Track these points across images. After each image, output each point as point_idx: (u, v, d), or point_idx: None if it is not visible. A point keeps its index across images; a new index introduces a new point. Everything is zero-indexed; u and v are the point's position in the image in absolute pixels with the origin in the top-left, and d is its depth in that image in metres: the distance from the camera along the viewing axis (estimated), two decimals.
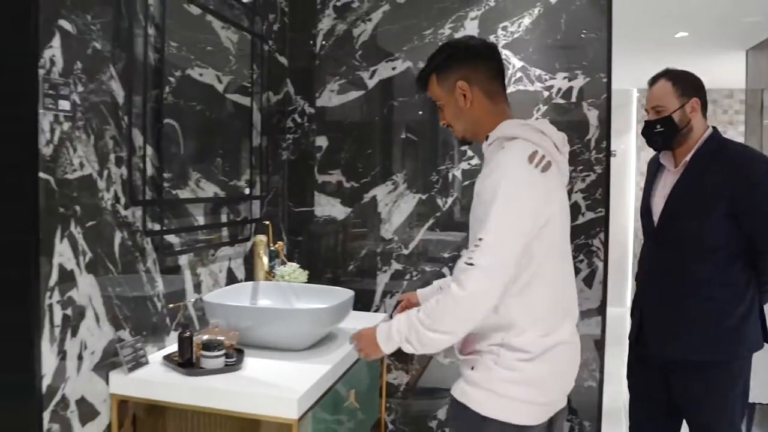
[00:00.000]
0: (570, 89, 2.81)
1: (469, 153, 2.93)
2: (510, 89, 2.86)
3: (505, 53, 2.87)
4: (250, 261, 2.75)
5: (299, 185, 3.17)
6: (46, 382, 1.67)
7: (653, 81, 2.43)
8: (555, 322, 1.71)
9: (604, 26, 2.79)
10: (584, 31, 2.80)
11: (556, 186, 1.71)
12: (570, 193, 2.82)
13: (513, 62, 2.87)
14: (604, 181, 2.82)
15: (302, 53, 3.14)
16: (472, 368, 1.71)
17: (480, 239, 1.58)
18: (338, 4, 3.09)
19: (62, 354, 1.72)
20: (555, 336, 1.69)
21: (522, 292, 1.65)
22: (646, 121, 2.45)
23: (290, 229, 3.16)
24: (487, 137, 1.78)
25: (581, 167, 2.81)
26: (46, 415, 1.67)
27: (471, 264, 1.57)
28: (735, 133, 7.30)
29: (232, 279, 2.63)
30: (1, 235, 1.63)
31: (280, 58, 3.05)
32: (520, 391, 1.65)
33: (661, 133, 2.38)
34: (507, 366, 1.66)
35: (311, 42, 3.13)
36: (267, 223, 2.72)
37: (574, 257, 2.79)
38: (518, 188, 1.61)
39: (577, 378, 2.78)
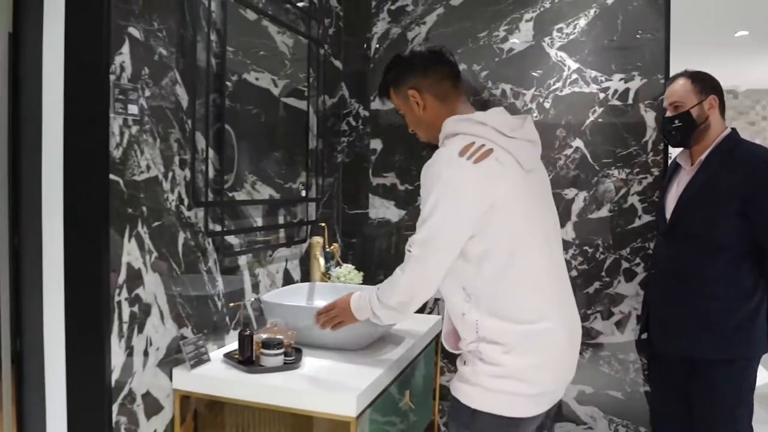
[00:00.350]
0: (626, 91, 2.79)
1: None
2: (565, 91, 2.85)
3: (560, 55, 2.86)
4: (305, 262, 2.80)
5: (354, 187, 3.20)
6: (114, 376, 1.73)
7: (673, 79, 2.48)
8: (535, 312, 1.69)
9: (662, 26, 2.76)
10: (640, 32, 2.77)
11: (498, 171, 1.69)
12: (626, 195, 2.79)
13: (568, 64, 2.85)
14: (660, 184, 2.78)
15: (357, 57, 3.18)
16: (464, 363, 1.78)
17: (417, 227, 1.73)
18: (392, 7, 3.12)
19: (129, 350, 1.78)
20: (537, 325, 1.68)
21: (491, 284, 1.69)
22: (664, 117, 2.48)
23: (344, 230, 3.20)
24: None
25: (638, 169, 2.78)
26: (115, 408, 1.74)
27: (409, 251, 1.74)
28: None
29: (288, 280, 2.67)
30: (74, 235, 1.70)
31: (335, 61, 3.09)
32: (505, 384, 1.68)
33: (678, 128, 2.40)
34: (490, 360, 1.69)
35: (365, 46, 3.17)
36: (323, 225, 2.76)
37: (630, 260, 2.77)
38: (446, 185, 1.67)
39: (631, 383, 2.78)
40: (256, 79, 2.42)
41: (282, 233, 2.64)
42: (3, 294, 1.70)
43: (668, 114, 2.45)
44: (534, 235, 1.74)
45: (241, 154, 2.33)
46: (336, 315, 1.99)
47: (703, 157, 2.37)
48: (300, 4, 2.69)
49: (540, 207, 1.81)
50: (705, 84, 2.39)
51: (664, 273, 2.48)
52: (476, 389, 1.70)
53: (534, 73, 2.91)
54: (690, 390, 2.39)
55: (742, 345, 2.29)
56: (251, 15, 2.36)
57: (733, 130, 2.41)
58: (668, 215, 2.45)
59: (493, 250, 1.68)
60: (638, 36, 2.78)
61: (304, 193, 2.77)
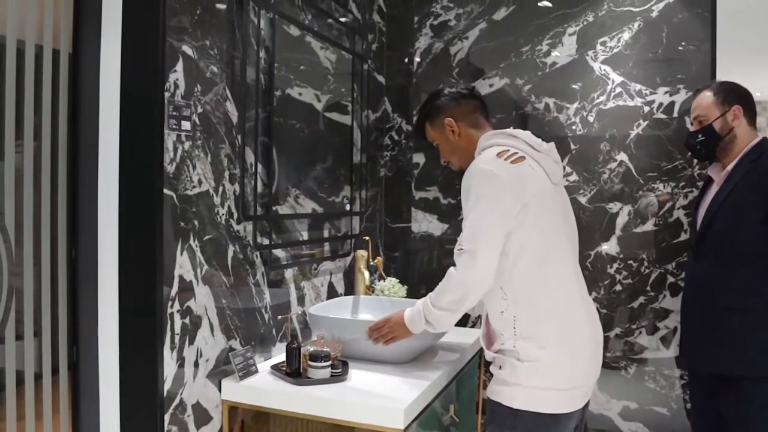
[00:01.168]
0: (672, 104, 2.76)
1: (567, 169, 2.92)
2: (609, 104, 2.84)
3: (604, 68, 2.85)
4: (349, 275, 2.82)
5: (396, 201, 3.22)
6: (166, 386, 1.77)
7: (697, 92, 2.44)
8: (565, 309, 1.80)
9: (708, 37, 2.74)
10: (684, 43, 2.75)
11: (532, 174, 1.82)
12: (672, 209, 2.76)
13: (612, 77, 2.84)
14: None
15: (399, 71, 3.21)
16: (500, 367, 1.83)
17: (464, 226, 1.80)
18: (435, 23, 3.15)
19: (181, 361, 1.82)
20: (567, 322, 1.79)
21: (526, 282, 1.77)
22: (689, 132, 2.45)
23: (387, 244, 3.22)
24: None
25: (683, 183, 2.75)
26: (167, 417, 1.77)
27: (460, 249, 1.79)
28: None
29: (332, 293, 2.70)
30: (129, 247, 1.74)
31: (378, 76, 3.13)
32: (543, 380, 1.75)
33: (702, 142, 2.36)
34: (527, 357, 1.76)
35: (408, 60, 3.20)
36: (367, 238, 2.78)
37: (676, 275, 2.75)
38: (486, 178, 1.78)
39: (676, 399, 2.74)
40: (300, 94, 2.46)
41: (327, 247, 2.67)
42: (61, 303, 1.75)
43: (692, 128, 2.41)
44: (560, 239, 1.85)
45: (285, 168, 2.36)
46: (389, 330, 2.03)
47: (730, 167, 2.31)
48: (343, 20, 2.73)
49: (566, 215, 1.92)
50: (729, 94, 2.33)
51: (693, 287, 2.44)
52: (517, 389, 1.76)
53: (577, 87, 2.91)
54: (720, 406, 2.34)
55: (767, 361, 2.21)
56: (295, 31, 2.40)
57: (764, 138, 2.34)
58: (698, 228, 2.41)
59: (528, 247, 1.76)
60: (683, 48, 2.76)
61: (348, 207, 2.80)
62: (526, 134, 1.90)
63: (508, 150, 1.84)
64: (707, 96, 2.36)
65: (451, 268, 1.83)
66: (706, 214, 2.36)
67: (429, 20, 3.17)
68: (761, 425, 2.22)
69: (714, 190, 2.38)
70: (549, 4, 2.96)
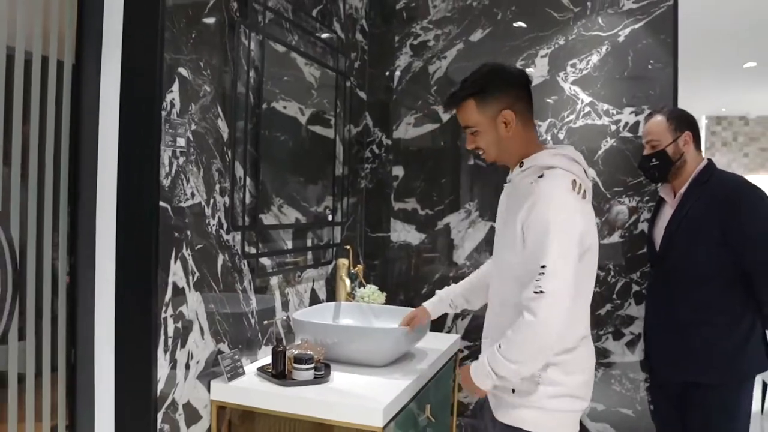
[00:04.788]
0: (637, 123, 2.93)
1: None
2: (578, 123, 3.01)
3: (573, 89, 3.02)
4: (331, 282, 2.95)
5: (376, 212, 3.36)
6: (160, 386, 1.89)
7: (649, 116, 2.61)
8: (581, 334, 1.87)
9: (670, 62, 2.90)
10: (649, 67, 2.92)
11: (591, 211, 1.87)
12: (636, 222, 2.93)
13: (581, 97, 3.01)
14: None
15: (380, 88, 3.35)
16: (513, 391, 1.84)
17: (543, 267, 1.68)
18: (415, 42, 3.30)
19: (173, 363, 1.94)
20: (583, 346, 1.88)
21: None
22: (642, 156, 2.60)
23: (367, 253, 3.35)
24: (521, 164, 1.88)
25: (647, 198, 2.91)
26: (159, 416, 1.89)
27: (541, 292, 1.67)
28: None
29: (314, 299, 2.83)
30: (126, 255, 1.86)
31: (360, 92, 3.27)
32: (566, 403, 1.82)
33: (656, 165, 2.52)
34: (550, 382, 1.80)
35: (389, 77, 3.34)
36: (348, 247, 2.91)
37: (641, 283, 2.91)
38: (569, 215, 1.73)
39: (641, 401, 2.89)
40: (285, 107, 2.58)
41: (309, 255, 2.80)
42: (60, 307, 1.86)
43: (645, 152, 2.57)
44: (594, 272, 1.91)
45: (270, 179, 2.48)
46: (465, 388, 1.94)
47: (682, 191, 2.48)
48: (327, 38, 2.86)
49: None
50: (680, 121, 2.50)
51: (657, 302, 2.61)
52: (539, 412, 1.82)
53: (549, 105, 3.07)
54: (685, 412, 2.49)
55: (734, 369, 2.37)
56: (281, 48, 2.51)
57: (709, 161, 2.51)
58: (657, 247, 2.57)
59: (579, 289, 1.76)
60: (647, 71, 2.93)
61: (330, 217, 2.93)
62: (580, 157, 1.87)
63: (576, 180, 1.79)
64: (660, 122, 2.52)
65: (526, 314, 1.70)
66: (665, 236, 2.52)
67: (409, 40, 3.31)
68: (726, 428, 2.39)
69: (668, 211, 2.55)
70: (524, 25, 3.11)
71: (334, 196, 2.95)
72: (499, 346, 1.76)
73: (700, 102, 6.75)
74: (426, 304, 2.39)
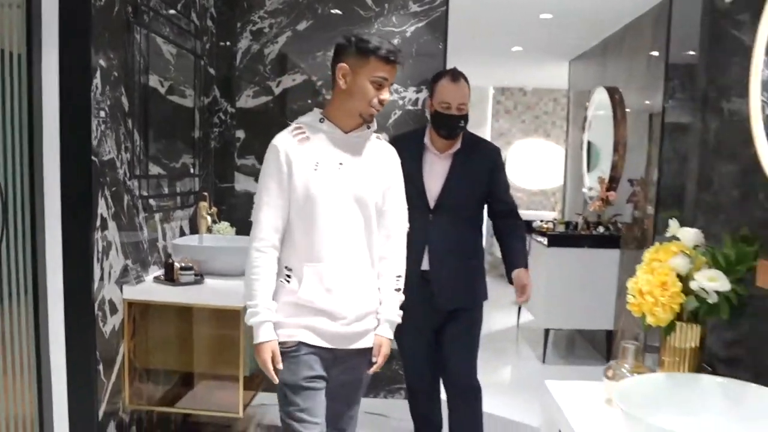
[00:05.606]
0: (417, 99, 4.04)
1: None
2: None
3: None
4: (194, 220, 3.80)
5: (223, 167, 4.22)
6: (95, 287, 2.69)
7: (456, 79, 2.92)
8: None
9: (442, 52, 4.03)
10: (429, 54, 4.03)
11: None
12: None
13: None
14: None
15: (226, 66, 4.18)
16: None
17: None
18: (253, 29, 4.15)
19: (101, 271, 2.75)
20: None
21: None
22: (450, 116, 2.89)
23: (218, 199, 4.21)
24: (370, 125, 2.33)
25: None
26: (96, 306, 2.70)
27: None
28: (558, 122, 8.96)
29: (183, 233, 3.67)
30: (70, 195, 2.63)
31: (210, 69, 4.08)
32: None
33: (462, 126, 2.92)
34: None
35: (233, 56, 4.18)
36: (206, 193, 3.77)
37: None
38: None
39: None
40: (162, 86, 3.36)
41: (179, 199, 3.63)
42: (19, 246, 2.59)
43: (453, 113, 2.87)
44: None
45: (154, 140, 3.28)
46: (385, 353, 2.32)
47: (458, 147, 2.96)
48: (184, 25, 3.63)
49: None
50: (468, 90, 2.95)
51: (436, 245, 2.97)
52: None
53: None
54: (443, 334, 3.07)
55: (480, 295, 3.10)
56: (159, 38, 3.28)
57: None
58: (432, 195, 2.96)
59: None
60: (426, 59, 4.03)
61: (191, 170, 3.77)
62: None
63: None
64: (466, 87, 2.90)
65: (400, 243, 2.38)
66: (446, 184, 2.95)
67: (249, 26, 4.15)
68: (475, 341, 3.12)
69: (440, 162, 2.98)
70: (340, 12, 4.08)
71: (193, 154, 3.79)
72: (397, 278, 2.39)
73: (486, 74, 8.16)
74: None
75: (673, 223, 1.97)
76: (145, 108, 3.13)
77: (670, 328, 1.92)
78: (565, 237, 5.35)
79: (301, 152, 2.22)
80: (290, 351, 2.19)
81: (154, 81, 3.28)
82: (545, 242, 5.24)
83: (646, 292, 1.90)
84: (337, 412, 2.33)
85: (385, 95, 2.20)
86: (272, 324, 2.18)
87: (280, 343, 2.19)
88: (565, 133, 7.94)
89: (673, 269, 1.89)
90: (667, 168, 4.11)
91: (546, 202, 10.09)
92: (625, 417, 1.50)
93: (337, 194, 2.20)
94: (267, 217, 2.21)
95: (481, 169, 2.99)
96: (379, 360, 2.29)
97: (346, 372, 2.30)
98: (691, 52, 3.12)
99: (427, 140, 3.01)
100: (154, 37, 3.25)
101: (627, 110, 5.27)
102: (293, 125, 2.33)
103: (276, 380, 2.19)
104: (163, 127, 3.41)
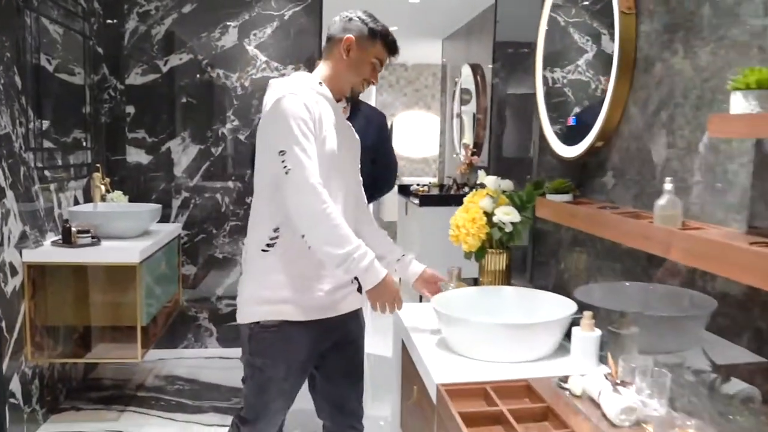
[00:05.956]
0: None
1: (232, 117, 4.47)
2: (257, 75, 4.45)
3: (254, 51, 4.43)
4: (87, 190, 4.08)
5: (115, 140, 4.49)
6: None
7: None
8: None
9: (317, 34, 4.45)
10: (305, 36, 4.44)
11: None
12: None
13: (260, 57, 4.43)
14: None
15: (115, 46, 4.43)
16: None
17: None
18: (140, 11, 4.42)
19: (1, 236, 3.03)
20: None
21: None
22: None
23: (110, 170, 4.48)
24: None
25: None
26: None
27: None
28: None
29: (77, 202, 3.95)
30: None
31: (98, 48, 4.33)
32: None
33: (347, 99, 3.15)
34: None
35: (121, 37, 4.43)
36: (98, 165, 4.06)
37: None
38: None
39: None
40: (52, 65, 3.62)
41: (72, 171, 3.90)
42: None
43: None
44: None
45: (48, 116, 3.55)
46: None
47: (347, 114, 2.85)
48: (72, 8, 3.88)
49: None
50: None
51: None
52: None
53: (238, 63, 4.45)
54: None
55: None
56: (47, 21, 3.54)
57: None
58: None
59: None
60: (302, 40, 4.44)
61: (84, 143, 4.04)
62: None
63: None
64: None
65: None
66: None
67: (136, 8, 4.42)
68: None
69: None
70: None
71: (85, 128, 4.05)
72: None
73: None
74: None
75: (481, 173, 2.50)
76: (37, 86, 3.40)
77: (482, 254, 2.44)
78: (434, 197, 5.97)
79: (320, 110, 2.05)
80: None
81: (44, 61, 3.53)
82: (417, 202, 5.81)
83: (461, 225, 2.42)
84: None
85: (375, 78, 2.25)
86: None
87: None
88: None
89: (481, 208, 2.41)
90: (494, 135, 4.70)
91: (428, 169, 10.81)
92: (438, 316, 2.00)
93: (343, 157, 2.15)
94: (311, 159, 1.96)
95: (366, 133, 2.93)
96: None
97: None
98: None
99: None
100: (44, 19, 3.50)
101: (488, 85, 5.83)
102: (299, 81, 2.10)
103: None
104: (54, 103, 3.67)
